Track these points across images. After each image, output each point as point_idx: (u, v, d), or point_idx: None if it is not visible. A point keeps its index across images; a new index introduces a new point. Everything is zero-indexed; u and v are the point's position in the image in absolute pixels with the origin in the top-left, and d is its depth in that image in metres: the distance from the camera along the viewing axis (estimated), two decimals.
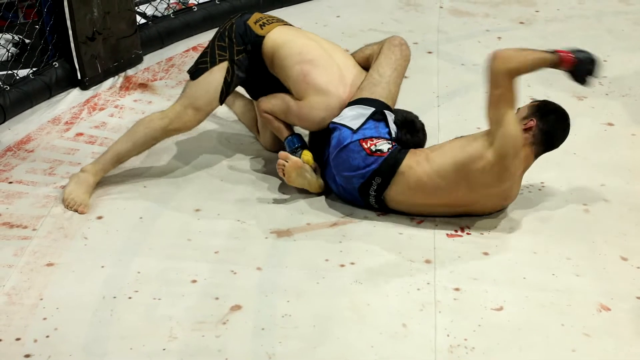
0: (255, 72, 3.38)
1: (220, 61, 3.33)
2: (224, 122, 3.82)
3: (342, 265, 2.95)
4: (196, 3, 4.74)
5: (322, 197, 3.31)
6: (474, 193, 3.07)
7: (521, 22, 4.85)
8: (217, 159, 3.56)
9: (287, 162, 3.22)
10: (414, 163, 3.09)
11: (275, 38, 3.34)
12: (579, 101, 3.99)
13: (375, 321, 2.71)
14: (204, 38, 4.59)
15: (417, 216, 3.17)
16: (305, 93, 3.29)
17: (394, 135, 3.20)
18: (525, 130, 3.06)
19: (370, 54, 3.40)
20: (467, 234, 3.10)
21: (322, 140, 3.30)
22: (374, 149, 3.11)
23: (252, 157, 3.58)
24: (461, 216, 3.16)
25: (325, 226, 3.15)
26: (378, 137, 3.14)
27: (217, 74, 3.33)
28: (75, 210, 3.21)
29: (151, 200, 3.29)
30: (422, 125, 3.33)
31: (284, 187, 3.37)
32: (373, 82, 3.26)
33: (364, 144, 3.12)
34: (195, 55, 4.40)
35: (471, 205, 3.12)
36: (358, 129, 3.14)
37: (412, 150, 3.15)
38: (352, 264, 2.95)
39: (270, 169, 3.49)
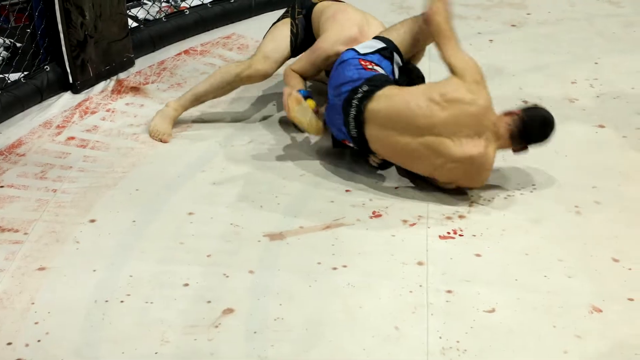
0: (306, 33, 3.80)
1: (284, 18, 3.85)
2: (216, 125, 3.82)
3: (335, 268, 2.95)
4: (188, 6, 4.74)
5: (315, 201, 3.31)
6: (448, 123, 3.14)
7: (513, 25, 4.86)
8: (210, 163, 3.56)
9: (289, 100, 3.46)
10: (400, 87, 3.27)
11: (322, 4, 3.77)
12: (571, 103, 4.00)
13: (367, 324, 2.71)
14: (196, 41, 4.60)
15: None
16: (325, 28, 3.66)
17: (395, 77, 3.35)
18: (507, 114, 3.23)
19: None
20: (460, 235, 3.11)
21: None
22: (370, 67, 3.28)
23: (245, 160, 3.58)
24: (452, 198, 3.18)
25: (317, 229, 3.15)
26: (379, 65, 3.31)
27: (282, 27, 3.80)
28: (160, 140, 3.67)
29: (144, 204, 3.28)
30: (422, 75, 3.53)
31: (276, 191, 3.37)
32: (394, 27, 3.49)
33: (362, 62, 3.30)
34: (187, 59, 4.43)
35: (444, 145, 3.16)
36: (364, 54, 3.34)
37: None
38: (345, 266, 2.95)
39: (263, 172, 3.49)
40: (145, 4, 4.67)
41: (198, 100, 3.77)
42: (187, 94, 3.77)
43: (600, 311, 2.75)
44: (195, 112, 3.90)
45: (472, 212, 3.23)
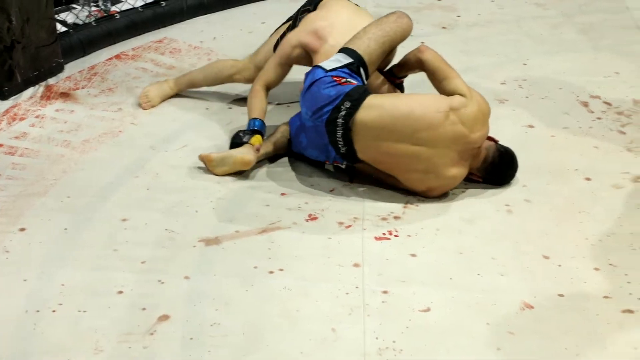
0: None
1: (289, 20, 3.84)
2: (149, 130, 3.78)
3: (271, 272, 2.94)
4: (118, 11, 4.68)
5: (250, 205, 3.30)
6: (447, 140, 3.18)
7: (443, 27, 4.93)
8: (143, 168, 3.52)
9: (205, 163, 3.47)
10: (384, 95, 3.30)
11: (325, 3, 3.66)
12: (501, 104, 4.07)
13: (304, 327, 2.71)
14: (127, 46, 4.55)
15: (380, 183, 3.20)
16: (302, 23, 3.62)
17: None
18: (489, 138, 3.33)
19: None
20: (395, 236, 3.14)
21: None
22: (344, 81, 3.24)
23: (179, 165, 3.55)
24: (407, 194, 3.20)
25: (253, 233, 3.14)
26: (349, 80, 3.26)
27: (279, 32, 3.80)
28: (141, 105, 3.89)
29: (76, 211, 3.23)
30: None
31: (211, 195, 3.35)
32: (357, 36, 3.38)
33: (335, 78, 3.24)
34: (119, 64, 4.36)
35: (436, 162, 3.21)
36: (332, 69, 3.27)
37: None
38: (281, 270, 2.95)
39: (197, 177, 3.47)
40: (75, 8, 4.59)
41: (192, 86, 3.98)
42: (184, 77, 3.98)
43: (532, 307, 2.81)
44: (126, 116, 3.86)
45: (407, 213, 3.26)
